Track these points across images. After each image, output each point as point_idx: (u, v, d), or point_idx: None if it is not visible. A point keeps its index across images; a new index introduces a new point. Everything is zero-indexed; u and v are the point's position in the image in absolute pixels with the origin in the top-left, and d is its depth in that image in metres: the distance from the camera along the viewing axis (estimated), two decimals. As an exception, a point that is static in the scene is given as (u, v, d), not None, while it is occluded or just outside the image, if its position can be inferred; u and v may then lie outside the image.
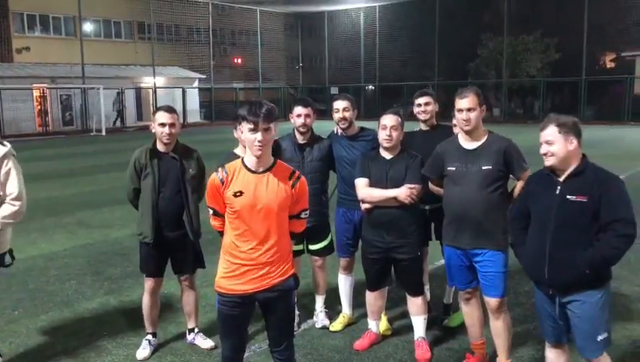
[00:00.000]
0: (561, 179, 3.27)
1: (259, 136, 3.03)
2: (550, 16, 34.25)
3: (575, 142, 3.24)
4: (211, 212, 3.26)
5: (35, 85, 31.16)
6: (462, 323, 4.83)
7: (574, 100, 33.58)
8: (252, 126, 3.02)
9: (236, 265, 3.16)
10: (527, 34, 36.56)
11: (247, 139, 3.08)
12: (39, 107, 32.24)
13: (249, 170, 3.15)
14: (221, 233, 3.29)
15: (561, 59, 35.49)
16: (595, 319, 3.25)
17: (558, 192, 3.26)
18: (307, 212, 3.34)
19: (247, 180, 3.13)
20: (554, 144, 3.24)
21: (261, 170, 3.14)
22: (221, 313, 3.26)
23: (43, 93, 31.85)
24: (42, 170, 14.89)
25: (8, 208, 3.97)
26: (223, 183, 3.14)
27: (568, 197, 3.21)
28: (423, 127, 4.91)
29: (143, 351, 4.54)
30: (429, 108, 4.82)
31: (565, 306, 3.31)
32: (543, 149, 3.28)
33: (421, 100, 4.83)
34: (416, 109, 4.85)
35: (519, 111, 39.05)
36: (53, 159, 18.86)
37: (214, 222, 3.30)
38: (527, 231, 3.45)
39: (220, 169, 3.19)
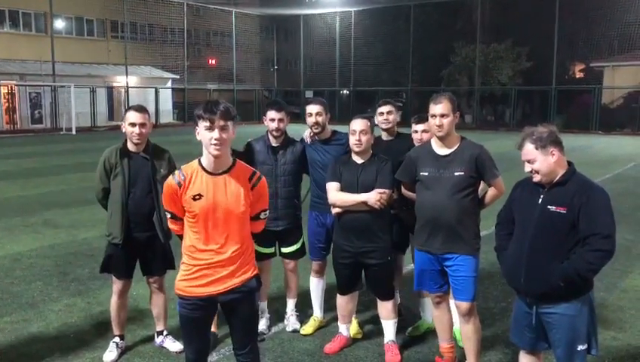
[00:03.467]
0: (545, 188, 3.25)
1: (215, 134, 2.94)
2: (522, 26, 34.79)
3: (556, 153, 3.19)
4: (169, 216, 3.19)
5: (2, 82, 30.47)
6: (426, 330, 4.86)
7: (544, 109, 34.20)
8: (208, 124, 2.94)
9: (196, 267, 3.10)
10: (499, 42, 37.14)
11: (204, 138, 2.98)
12: (7, 104, 31.54)
13: (207, 171, 3.06)
14: (181, 236, 3.23)
15: (532, 68, 36.12)
16: (573, 329, 3.19)
17: (540, 201, 3.24)
18: (267, 212, 3.30)
19: (205, 183, 3.04)
20: (535, 162, 3.21)
21: (220, 171, 3.06)
22: (182, 316, 3.20)
23: (11, 90, 31.14)
24: (9, 169, 14.56)
25: None
26: (180, 186, 3.05)
27: (549, 207, 3.19)
28: (384, 135, 4.94)
29: (110, 353, 4.46)
30: (391, 117, 4.86)
31: (542, 315, 3.27)
32: (527, 168, 3.25)
33: (383, 109, 4.87)
34: (378, 118, 4.89)
35: (491, 118, 39.61)
36: (20, 158, 18.45)
37: (173, 226, 3.25)
38: (510, 237, 3.43)
39: (176, 172, 3.12)
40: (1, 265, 6.84)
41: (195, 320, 3.18)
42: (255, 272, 3.23)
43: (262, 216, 3.26)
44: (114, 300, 4.56)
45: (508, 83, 36.89)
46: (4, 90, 31.13)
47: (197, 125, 3.05)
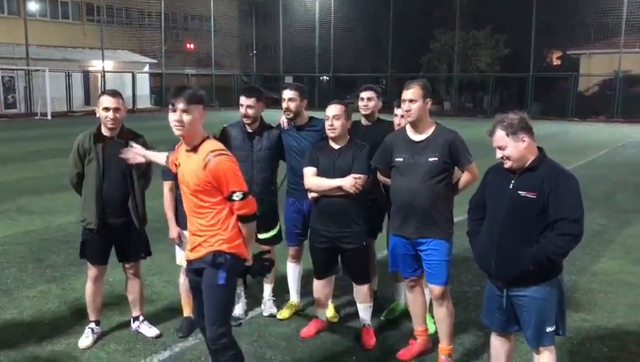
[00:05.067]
0: (516, 174, 3.29)
1: (176, 115, 3.22)
2: (500, 13, 34.99)
3: (527, 139, 3.23)
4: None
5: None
6: (400, 313, 4.93)
7: (522, 96, 34.50)
8: (171, 106, 3.24)
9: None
10: (478, 29, 37.31)
11: (169, 119, 3.27)
12: (-21, 88, 30.89)
13: (185, 148, 3.39)
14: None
15: (510, 55, 36.38)
16: (542, 312, 3.27)
17: (511, 186, 3.28)
18: (238, 194, 3.29)
19: (182, 155, 3.42)
20: (506, 148, 3.25)
21: (189, 148, 3.34)
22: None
23: (-17, 73, 30.48)
24: (-18, 154, 14.29)
25: None
26: (175, 150, 3.57)
27: (519, 192, 3.23)
28: (364, 121, 4.95)
29: (86, 339, 4.45)
30: (371, 103, 4.87)
31: (513, 298, 3.34)
32: (498, 154, 3.30)
33: (364, 95, 4.87)
34: (359, 103, 4.90)
35: (469, 105, 39.88)
36: (-7, 143, 18.13)
37: None
38: (482, 222, 3.48)
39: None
40: (-27, 251, 6.75)
41: (190, 283, 3.58)
42: (221, 248, 3.29)
43: (234, 197, 3.28)
44: (89, 286, 4.53)
45: (486, 70, 37.14)
46: (-24, 73, 30.46)
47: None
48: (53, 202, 9.53)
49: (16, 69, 31.59)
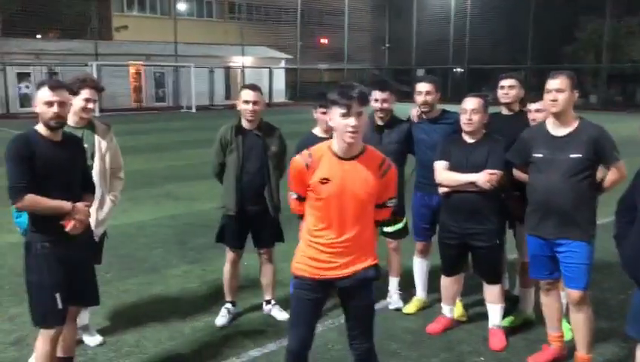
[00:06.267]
0: None
1: (352, 121, 2.84)
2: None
3: None
4: (295, 196, 3.12)
5: (131, 62, 32.72)
6: (522, 322, 4.69)
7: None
8: (345, 110, 2.83)
9: (317, 250, 3.05)
10: (632, 15, 34.16)
11: (339, 125, 2.87)
12: (135, 83, 33.93)
13: (337, 156, 2.98)
14: (301, 216, 3.21)
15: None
16: None
17: None
18: (394, 200, 3.21)
19: (334, 167, 2.96)
20: None
21: (350, 156, 2.97)
22: (295, 297, 3.16)
23: (138, 70, 33.42)
24: (136, 144, 15.66)
25: (120, 183, 4.38)
26: (308, 168, 2.98)
27: None
28: (504, 111, 4.73)
29: (222, 318, 4.75)
30: (513, 92, 4.64)
31: None
32: None
33: (505, 83, 4.66)
34: (499, 92, 4.69)
35: (618, 98, 36.76)
36: (146, 133, 19.82)
37: (296, 206, 3.17)
38: (631, 226, 3.20)
39: (305, 152, 3.04)
40: (127, 232, 7.45)
41: (308, 302, 3.11)
42: (375, 262, 3.14)
43: (388, 203, 3.17)
44: (227, 268, 4.83)
45: (640, 60, 34.03)
46: (133, 70, 33.45)
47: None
48: (196, 188, 10.24)
49: (166, 65, 34.26)
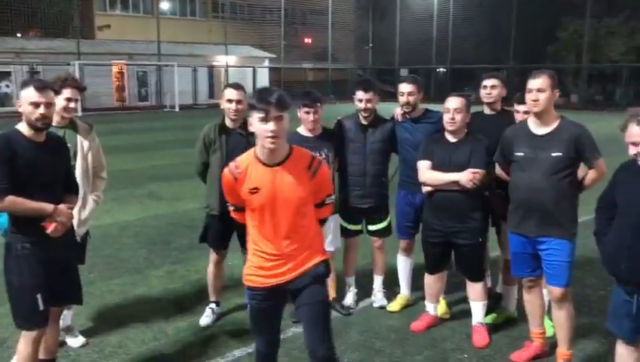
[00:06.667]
0: None
1: (270, 126, 2.78)
2: (638, -2, 32.27)
3: None
4: (232, 208, 3.11)
5: (113, 62, 32.46)
6: (504, 320, 4.73)
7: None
8: (262, 115, 2.78)
9: (262, 258, 3.02)
10: (612, 17, 34.62)
11: (258, 130, 2.81)
12: (117, 83, 33.65)
13: (263, 163, 2.92)
14: (244, 226, 3.15)
15: (648, 44, 33.47)
16: None
17: None
18: (332, 197, 3.15)
19: (262, 175, 2.91)
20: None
21: (276, 162, 2.91)
22: (252, 307, 3.14)
23: (121, 69, 33.15)
24: (119, 143, 15.54)
25: (102, 183, 4.35)
26: (236, 180, 2.95)
27: None
28: (487, 110, 4.78)
29: (206, 318, 4.74)
30: (495, 92, 4.68)
31: None
32: (632, 150, 3.09)
33: (487, 82, 4.69)
34: (481, 91, 4.73)
35: (599, 97, 37.22)
36: (129, 133, 19.67)
37: (236, 216, 3.15)
38: (611, 222, 3.29)
39: (231, 164, 3.00)
40: (110, 232, 7.40)
41: (265, 310, 3.11)
42: (324, 257, 3.11)
43: (327, 201, 3.12)
44: (210, 269, 4.82)
45: (620, 60, 34.42)
46: (116, 69, 33.17)
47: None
48: (180, 188, 10.19)
49: (149, 65, 34.02)
